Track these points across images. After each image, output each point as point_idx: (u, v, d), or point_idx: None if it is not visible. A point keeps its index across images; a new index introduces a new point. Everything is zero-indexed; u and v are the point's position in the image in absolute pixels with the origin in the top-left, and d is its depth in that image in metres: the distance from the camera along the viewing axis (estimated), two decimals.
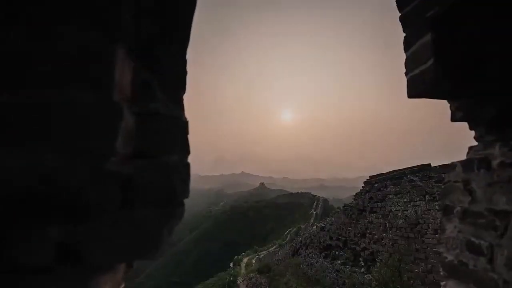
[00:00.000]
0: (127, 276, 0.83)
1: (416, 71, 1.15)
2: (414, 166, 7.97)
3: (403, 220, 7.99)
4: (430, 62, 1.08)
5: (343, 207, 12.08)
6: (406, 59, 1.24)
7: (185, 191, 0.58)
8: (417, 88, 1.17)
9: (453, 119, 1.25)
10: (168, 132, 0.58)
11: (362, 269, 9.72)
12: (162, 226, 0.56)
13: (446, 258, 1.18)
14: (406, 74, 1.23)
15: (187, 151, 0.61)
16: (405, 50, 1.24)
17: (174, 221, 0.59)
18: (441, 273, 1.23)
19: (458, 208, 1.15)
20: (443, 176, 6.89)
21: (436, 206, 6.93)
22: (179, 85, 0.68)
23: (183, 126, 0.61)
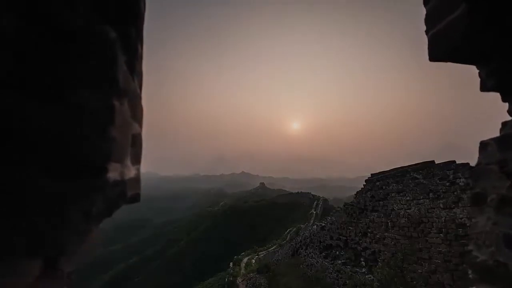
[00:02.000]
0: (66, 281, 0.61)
1: (441, 25, 0.93)
2: (417, 164, 7.74)
3: (406, 219, 7.76)
4: (460, 9, 0.86)
5: (344, 205, 11.86)
6: (426, 14, 1.01)
7: (104, 150, 0.36)
8: (441, 46, 0.94)
9: (484, 88, 1.02)
10: (81, 55, 0.36)
11: (364, 269, 9.50)
12: (65, 207, 0.34)
13: (477, 257, 0.96)
14: (426, 32, 1.01)
15: (114, 88, 0.38)
16: (425, 3, 1.02)
17: (91, 200, 0.36)
18: (470, 276, 1.01)
19: (493, 196, 0.93)
20: (447, 173, 6.67)
21: (441, 205, 6.71)
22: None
23: (110, 49, 0.38)
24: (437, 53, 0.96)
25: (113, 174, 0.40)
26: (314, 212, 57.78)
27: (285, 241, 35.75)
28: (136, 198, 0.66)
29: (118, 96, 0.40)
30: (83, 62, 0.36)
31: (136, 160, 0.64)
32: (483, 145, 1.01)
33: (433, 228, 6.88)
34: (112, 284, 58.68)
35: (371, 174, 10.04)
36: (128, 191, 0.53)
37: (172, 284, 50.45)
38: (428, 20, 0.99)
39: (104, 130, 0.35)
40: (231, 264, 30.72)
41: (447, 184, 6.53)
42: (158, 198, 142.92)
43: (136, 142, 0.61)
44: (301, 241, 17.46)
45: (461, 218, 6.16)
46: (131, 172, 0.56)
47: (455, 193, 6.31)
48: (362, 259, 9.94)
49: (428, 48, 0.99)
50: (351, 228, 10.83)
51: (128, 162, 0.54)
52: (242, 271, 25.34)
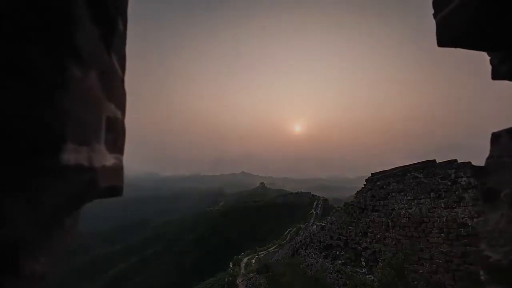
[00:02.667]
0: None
1: (451, 6, 0.86)
2: (418, 162, 7.67)
3: (407, 219, 7.70)
4: None
5: (344, 205, 11.80)
6: None
7: (54, 123, 0.29)
8: (451, 29, 0.88)
9: (495, 76, 0.95)
10: (27, 3, 0.29)
11: (364, 270, 9.44)
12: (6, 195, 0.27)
13: (489, 257, 0.89)
14: (434, 15, 0.94)
15: (71, 52, 0.32)
16: None
17: (38, 186, 0.30)
18: (482, 277, 0.94)
19: (507, 191, 0.86)
20: (449, 172, 6.61)
21: (442, 204, 6.64)
22: None
23: (66, 4, 0.32)
24: (446, 38, 0.89)
25: (74, 157, 0.34)
26: (314, 212, 57.82)
27: (285, 241, 35.75)
28: (116, 191, 0.59)
29: (79, 63, 0.33)
30: (28, 10, 0.29)
31: (115, 148, 0.57)
32: (495, 137, 0.94)
33: (434, 228, 6.81)
34: (112, 284, 58.60)
35: (372, 174, 9.98)
36: (101, 181, 0.46)
37: (172, 284, 50.42)
38: (436, 3, 0.92)
39: (52, 97, 0.28)
40: (231, 264, 30.70)
41: (449, 183, 6.46)
42: (158, 198, 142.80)
43: (113, 127, 0.54)
44: (301, 241, 17.39)
45: (462, 218, 6.09)
46: (105, 160, 0.49)
47: (457, 192, 6.25)
48: (362, 259, 9.88)
49: (436, 33, 0.93)
50: (351, 228, 10.76)
51: (101, 147, 0.47)
52: (242, 271, 25.30)
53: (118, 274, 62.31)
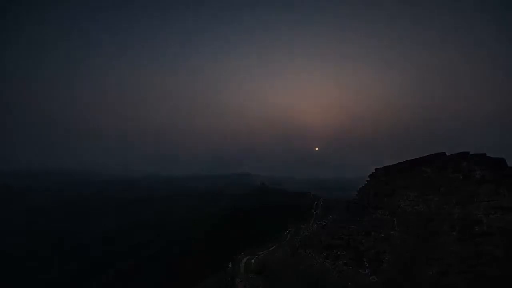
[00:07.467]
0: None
1: None
2: (426, 156, 7.17)
3: (414, 216, 7.20)
4: None
5: (346, 203, 11.31)
6: None
7: None
8: None
9: None
10: None
11: (367, 271, 8.96)
12: None
13: None
14: None
15: None
16: None
17: None
18: None
19: None
20: (461, 165, 6.09)
21: (453, 200, 6.14)
22: None
23: None
24: None
25: None
26: (314, 212, 57.50)
27: (285, 241, 35.38)
28: None
29: None
30: None
31: None
32: None
33: (444, 226, 6.31)
34: (112, 284, 58.26)
35: (375, 169, 9.48)
36: None
37: (172, 284, 50.10)
38: None
39: None
40: (230, 264, 30.27)
41: (460, 177, 5.97)
42: (159, 198, 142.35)
43: None
44: (301, 240, 16.93)
45: (476, 215, 5.59)
46: None
47: (470, 187, 5.74)
48: (365, 260, 9.40)
49: None
50: (353, 226, 10.28)
51: None
52: (242, 271, 24.89)
53: (118, 274, 61.98)
